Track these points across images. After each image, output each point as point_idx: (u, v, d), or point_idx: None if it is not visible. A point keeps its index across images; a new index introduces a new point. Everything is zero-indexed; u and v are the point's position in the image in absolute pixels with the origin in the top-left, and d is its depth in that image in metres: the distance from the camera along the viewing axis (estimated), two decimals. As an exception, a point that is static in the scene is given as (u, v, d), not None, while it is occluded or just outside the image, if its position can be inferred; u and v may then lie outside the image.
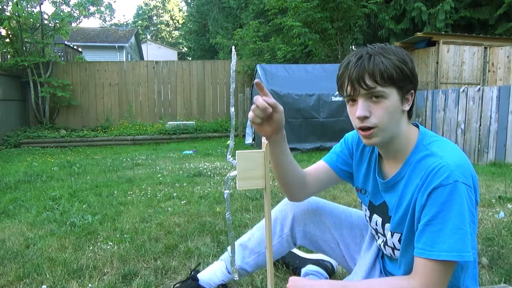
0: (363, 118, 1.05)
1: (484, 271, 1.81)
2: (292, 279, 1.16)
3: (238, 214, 2.82)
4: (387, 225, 1.23)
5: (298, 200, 1.42)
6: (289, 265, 1.86)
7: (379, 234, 1.30)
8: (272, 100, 1.08)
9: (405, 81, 1.05)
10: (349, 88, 1.06)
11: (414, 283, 1.03)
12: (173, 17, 47.44)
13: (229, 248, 1.57)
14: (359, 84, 1.03)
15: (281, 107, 1.11)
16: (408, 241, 1.12)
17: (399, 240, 1.18)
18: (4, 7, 10.42)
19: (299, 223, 1.50)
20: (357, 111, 1.06)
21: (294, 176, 1.30)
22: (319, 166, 1.39)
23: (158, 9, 48.16)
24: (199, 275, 1.61)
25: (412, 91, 1.09)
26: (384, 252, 1.31)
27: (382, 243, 1.29)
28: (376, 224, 1.28)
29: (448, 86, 8.34)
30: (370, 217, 1.31)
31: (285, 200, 1.55)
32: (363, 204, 1.35)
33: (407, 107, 1.10)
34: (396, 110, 1.06)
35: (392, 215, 1.19)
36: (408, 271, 1.13)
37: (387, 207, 1.22)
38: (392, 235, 1.20)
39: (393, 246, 1.23)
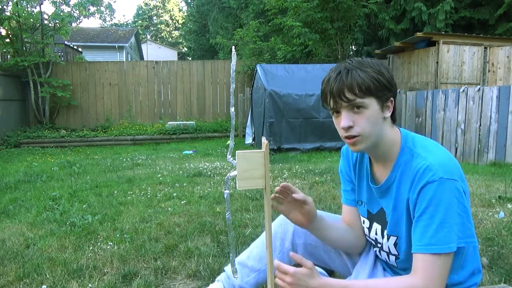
0: (348, 128, 1.12)
1: (484, 271, 1.81)
2: (296, 278, 1.10)
3: (238, 214, 2.82)
4: (386, 231, 1.24)
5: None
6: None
7: (377, 243, 1.31)
8: (300, 195, 1.19)
9: (383, 91, 1.12)
10: (331, 102, 1.14)
11: (416, 280, 1.05)
12: (173, 17, 47.39)
13: (225, 268, 1.58)
14: (340, 97, 1.11)
15: (309, 199, 1.22)
16: (409, 242, 1.14)
17: (395, 244, 1.20)
18: (4, 7, 10.43)
19: (299, 236, 1.47)
20: (341, 122, 1.13)
21: (344, 241, 1.37)
22: (348, 213, 1.40)
23: (158, 9, 48.12)
24: None
25: (392, 98, 1.16)
26: (380, 257, 1.32)
27: (378, 249, 1.31)
28: (376, 233, 1.29)
29: (448, 86, 8.33)
30: (370, 227, 1.31)
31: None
32: (361, 217, 1.36)
33: (388, 114, 1.16)
34: (378, 118, 1.13)
35: (388, 219, 1.21)
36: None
37: (384, 213, 1.24)
38: (388, 239, 1.22)
39: (388, 251, 1.24)
